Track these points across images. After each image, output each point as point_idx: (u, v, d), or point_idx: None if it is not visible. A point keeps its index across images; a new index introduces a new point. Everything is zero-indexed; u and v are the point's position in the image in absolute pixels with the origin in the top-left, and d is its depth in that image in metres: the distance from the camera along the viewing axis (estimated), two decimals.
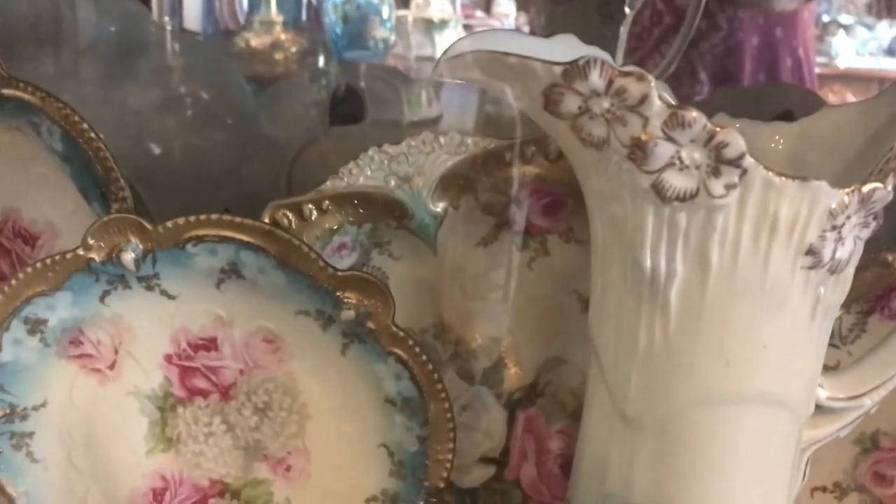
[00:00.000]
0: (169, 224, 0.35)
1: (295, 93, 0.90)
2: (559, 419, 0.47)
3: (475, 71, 0.26)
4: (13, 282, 0.36)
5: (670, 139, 0.24)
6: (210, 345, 0.39)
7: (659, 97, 0.23)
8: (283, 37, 1.23)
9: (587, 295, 0.42)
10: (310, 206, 0.43)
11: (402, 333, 0.37)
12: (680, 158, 0.24)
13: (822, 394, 0.30)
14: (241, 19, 1.27)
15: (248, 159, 0.67)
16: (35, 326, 0.37)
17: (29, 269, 0.36)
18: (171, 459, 0.40)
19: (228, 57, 1.10)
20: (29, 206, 0.48)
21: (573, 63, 0.24)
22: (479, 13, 2.05)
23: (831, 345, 0.40)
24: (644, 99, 0.23)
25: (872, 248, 0.39)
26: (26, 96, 0.43)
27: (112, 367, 0.39)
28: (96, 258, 0.36)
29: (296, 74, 1.13)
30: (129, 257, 0.36)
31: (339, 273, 0.36)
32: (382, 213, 0.44)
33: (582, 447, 0.31)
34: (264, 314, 0.38)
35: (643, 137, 0.24)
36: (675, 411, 0.27)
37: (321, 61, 1.15)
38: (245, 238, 0.36)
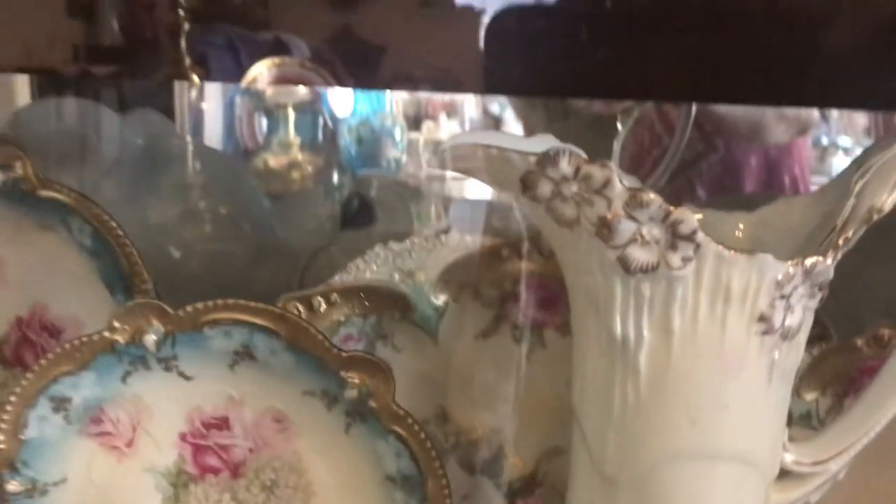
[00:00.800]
0: (189, 308, 0.39)
1: (309, 206, 0.95)
2: None
3: (467, 163, 0.29)
4: (42, 362, 0.39)
5: (631, 217, 0.27)
6: (222, 424, 0.41)
7: (620, 181, 0.27)
8: (299, 157, 1.29)
9: None
10: (319, 298, 0.46)
11: (401, 412, 0.39)
12: (641, 234, 0.27)
13: (788, 458, 0.32)
14: (260, 140, 1.33)
15: (263, 265, 0.70)
16: (60, 404, 0.39)
17: (58, 350, 0.39)
18: None
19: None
20: (55, 301, 0.50)
21: (545, 153, 0.27)
22: None
23: (811, 427, 0.42)
24: (607, 183, 0.27)
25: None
26: (61, 196, 0.46)
27: (130, 444, 0.41)
28: (120, 340, 0.39)
29: (311, 190, 1.18)
30: (150, 339, 0.38)
31: (344, 354, 0.39)
32: (387, 305, 0.47)
33: None
34: (274, 394, 0.40)
35: (608, 216, 0.27)
36: (649, 468, 0.29)
37: (335, 177, 1.20)
38: (258, 321, 0.39)
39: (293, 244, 0.75)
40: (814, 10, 0.46)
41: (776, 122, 1.12)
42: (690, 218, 0.27)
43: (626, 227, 0.27)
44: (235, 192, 0.74)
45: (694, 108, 0.71)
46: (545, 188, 0.28)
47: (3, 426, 0.39)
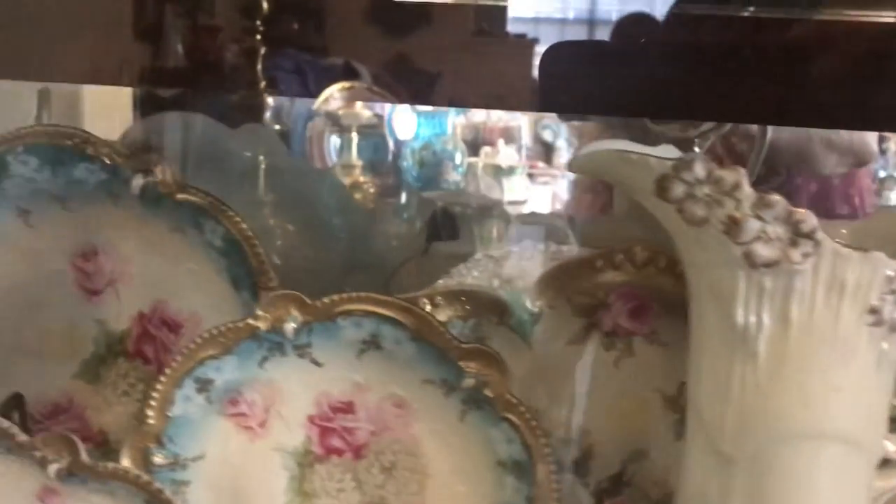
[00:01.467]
0: (326, 300, 0.42)
1: (378, 225, 0.98)
2: None
3: (602, 167, 0.33)
4: (191, 345, 0.43)
5: (758, 217, 0.30)
6: (348, 408, 0.44)
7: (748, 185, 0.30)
8: (361, 179, 1.34)
9: (669, 393, 0.47)
10: (425, 300, 0.49)
11: (515, 400, 0.42)
12: (765, 232, 0.30)
13: (891, 447, 0.35)
14: (329, 161, 1.38)
15: (353, 273, 0.74)
16: (204, 385, 0.43)
17: (206, 335, 0.43)
18: None
19: None
20: (176, 298, 0.53)
21: (681, 158, 0.31)
22: (540, 164, 2.16)
23: None
24: (737, 186, 0.30)
25: None
26: (197, 199, 0.50)
27: (262, 425, 0.44)
28: (262, 327, 0.42)
29: (379, 210, 1.22)
30: (289, 327, 0.42)
31: (464, 345, 0.42)
32: (486, 310, 0.50)
33: (683, 488, 0.36)
34: (396, 382, 0.44)
35: (737, 216, 0.30)
36: (763, 447, 0.32)
37: (403, 197, 1.24)
38: (387, 313, 0.42)
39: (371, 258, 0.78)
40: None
41: (826, 151, 1.13)
42: (811, 218, 0.30)
43: (753, 226, 0.30)
44: (329, 206, 0.78)
45: (769, 132, 0.73)
46: (678, 190, 0.31)
47: (153, 403, 0.43)
